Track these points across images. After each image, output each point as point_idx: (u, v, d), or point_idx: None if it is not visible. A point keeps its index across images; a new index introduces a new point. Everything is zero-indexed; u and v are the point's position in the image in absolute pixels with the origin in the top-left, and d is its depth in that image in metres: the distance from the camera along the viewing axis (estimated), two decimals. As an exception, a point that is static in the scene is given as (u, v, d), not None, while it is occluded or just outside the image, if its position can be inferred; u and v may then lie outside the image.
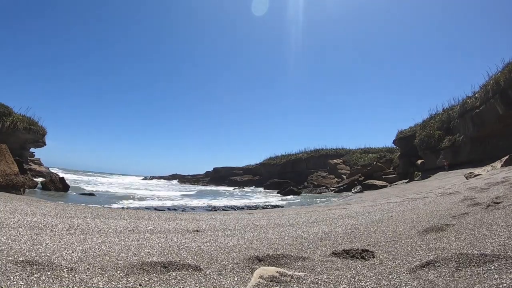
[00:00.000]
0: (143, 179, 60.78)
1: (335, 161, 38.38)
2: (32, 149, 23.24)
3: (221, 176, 48.29)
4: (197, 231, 4.27)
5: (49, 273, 1.97)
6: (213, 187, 35.46)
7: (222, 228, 4.65)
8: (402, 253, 2.53)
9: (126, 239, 3.38)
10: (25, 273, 1.90)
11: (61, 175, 18.64)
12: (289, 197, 22.68)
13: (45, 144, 22.06)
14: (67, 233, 3.42)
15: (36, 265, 2.08)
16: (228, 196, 23.92)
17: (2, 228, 3.29)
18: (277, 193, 26.04)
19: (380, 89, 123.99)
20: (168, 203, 15.26)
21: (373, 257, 2.50)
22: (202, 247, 3.18)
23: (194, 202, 16.47)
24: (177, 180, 53.00)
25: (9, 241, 2.73)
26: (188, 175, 56.14)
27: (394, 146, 31.43)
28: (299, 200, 19.45)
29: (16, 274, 1.87)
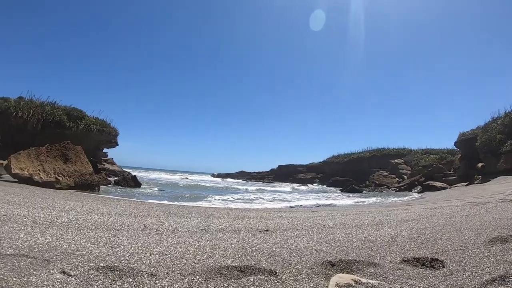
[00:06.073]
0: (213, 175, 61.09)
1: (396, 161, 38.06)
2: (105, 149, 25.32)
3: (285, 173, 48.57)
4: (267, 230, 4.19)
5: (130, 279, 1.91)
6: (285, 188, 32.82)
7: (290, 227, 4.56)
8: (471, 264, 2.47)
9: (200, 240, 3.36)
10: (108, 281, 1.84)
11: (133, 173, 19.90)
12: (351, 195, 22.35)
13: (117, 145, 23.57)
14: (142, 234, 3.47)
15: (117, 271, 2.04)
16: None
17: (81, 230, 3.39)
18: (340, 191, 25.80)
19: (441, 91, 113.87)
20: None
21: (443, 267, 2.46)
22: (274, 249, 3.12)
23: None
24: (245, 178, 53.50)
25: (89, 244, 2.78)
26: (254, 172, 56.84)
27: (455, 148, 30.58)
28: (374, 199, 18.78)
29: (99, 282, 1.82)
